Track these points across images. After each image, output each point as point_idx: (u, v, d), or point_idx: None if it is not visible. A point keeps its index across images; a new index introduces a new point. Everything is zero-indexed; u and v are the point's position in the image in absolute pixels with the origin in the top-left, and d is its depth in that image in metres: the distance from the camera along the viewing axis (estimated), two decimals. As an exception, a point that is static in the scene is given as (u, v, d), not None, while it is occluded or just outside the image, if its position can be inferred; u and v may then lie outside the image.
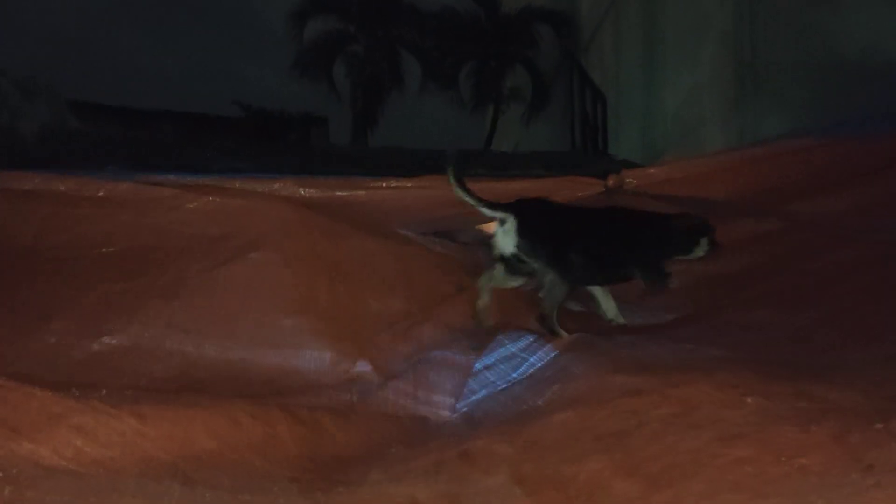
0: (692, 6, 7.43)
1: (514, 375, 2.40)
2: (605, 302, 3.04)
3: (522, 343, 2.50)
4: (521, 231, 2.79)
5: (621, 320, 3.02)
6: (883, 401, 1.88)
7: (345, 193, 3.43)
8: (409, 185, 3.49)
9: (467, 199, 2.77)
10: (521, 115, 8.69)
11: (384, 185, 3.50)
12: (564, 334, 2.66)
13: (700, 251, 3.00)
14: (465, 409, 2.37)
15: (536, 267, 2.81)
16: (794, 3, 7.00)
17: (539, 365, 2.40)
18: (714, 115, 7.38)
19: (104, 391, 1.99)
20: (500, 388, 2.39)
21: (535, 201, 2.97)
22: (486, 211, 2.80)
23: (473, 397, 2.42)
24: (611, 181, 3.67)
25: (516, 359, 2.50)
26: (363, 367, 2.67)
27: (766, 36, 7.10)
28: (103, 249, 3.02)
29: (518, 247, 2.79)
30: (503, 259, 2.83)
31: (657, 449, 1.72)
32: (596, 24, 8.23)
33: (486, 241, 2.94)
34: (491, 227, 2.90)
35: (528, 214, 2.82)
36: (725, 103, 7.32)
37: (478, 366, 2.49)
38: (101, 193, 3.15)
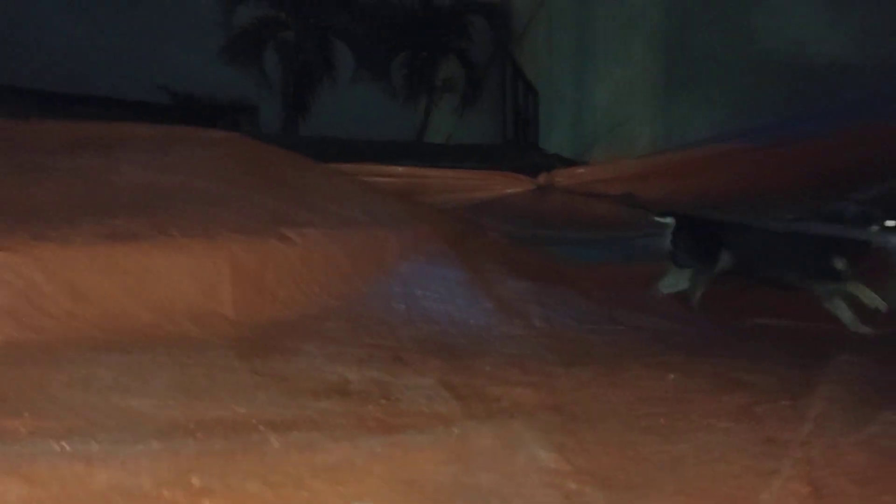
0: (623, 2, 7.51)
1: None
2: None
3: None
4: None
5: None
6: (794, 385, 2.00)
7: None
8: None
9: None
10: (454, 106, 8.66)
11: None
12: None
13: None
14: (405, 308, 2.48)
15: None
16: (723, 2, 7.12)
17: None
18: (643, 110, 7.48)
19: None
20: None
21: None
22: None
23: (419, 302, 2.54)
24: (542, 179, 3.70)
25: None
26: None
27: (695, 33, 7.22)
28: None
29: None
30: None
31: (581, 394, 1.92)
32: (529, 18, 8.25)
33: None
34: None
35: None
36: (655, 99, 7.43)
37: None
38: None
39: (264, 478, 1.32)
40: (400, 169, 3.76)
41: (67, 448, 1.31)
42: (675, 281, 3.28)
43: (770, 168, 3.84)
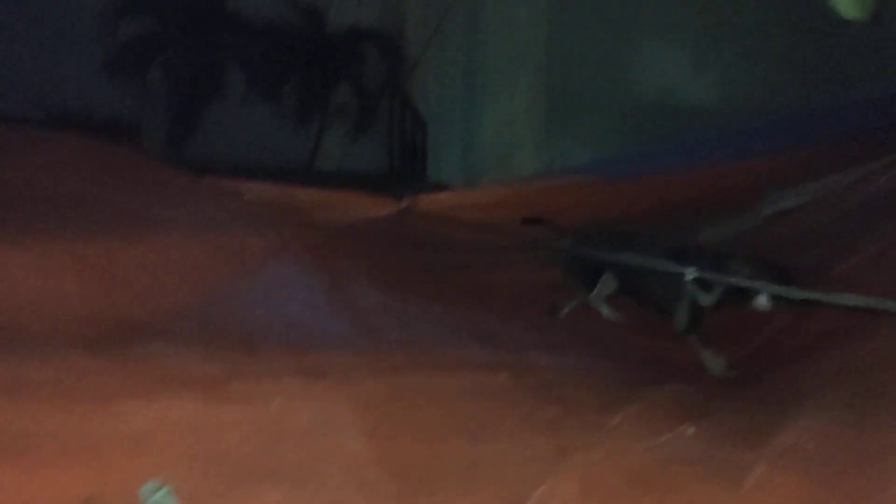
0: (510, 38, 7.83)
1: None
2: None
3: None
4: None
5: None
6: (611, 401, 2.17)
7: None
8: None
9: None
10: (346, 133, 8.76)
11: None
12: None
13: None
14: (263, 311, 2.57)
15: None
16: (600, 44, 7.52)
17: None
18: (528, 143, 7.81)
19: None
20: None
21: None
22: None
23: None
24: (405, 202, 3.83)
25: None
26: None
27: (576, 72, 7.59)
28: None
29: None
30: None
31: (409, 390, 2.09)
32: (421, 48, 8.47)
33: None
34: None
35: None
36: (538, 132, 7.76)
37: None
38: None
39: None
40: (269, 187, 3.83)
41: None
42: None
43: (615, 200, 4.12)
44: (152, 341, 2.09)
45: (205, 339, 2.20)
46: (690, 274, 2.89)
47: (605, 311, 3.59)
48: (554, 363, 2.63)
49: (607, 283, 3.55)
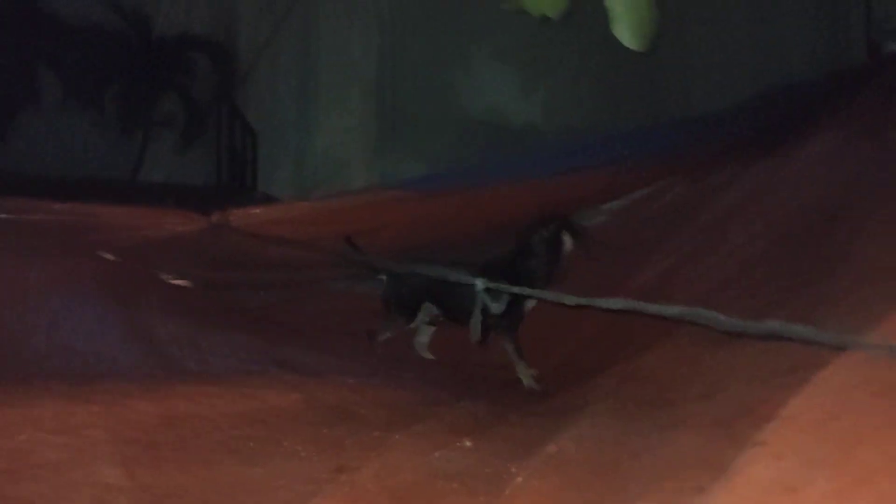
0: (342, 52, 7.81)
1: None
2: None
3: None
4: None
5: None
6: (403, 420, 2.19)
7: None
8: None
9: None
10: (173, 145, 8.43)
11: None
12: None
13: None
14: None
15: None
16: (431, 61, 7.65)
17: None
18: (360, 157, 7.80)
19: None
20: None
21: None
22: None
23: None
24: (214, 218, 3.71)
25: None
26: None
27: (406, 88, 7.68)
28: None
29: None
30: None
31: (184, 415, 2.05)
32: (253, 59, 8.30)
33: None
34: None
35: None
36: (370, 147, 7.78)
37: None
38: None
39: None
40: (60, 205, 3.58)
41: None
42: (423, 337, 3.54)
43: (438, 214, 4.19)
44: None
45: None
46: (481, 284, 3.00)
47: (426, 353, 3.73)
48: (355, 384, 2.62)
49: (427, 312, 3.66)
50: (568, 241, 3.54)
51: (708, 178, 4.87)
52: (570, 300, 2.17)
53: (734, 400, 1.83)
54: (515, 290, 2.91)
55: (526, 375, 3.30)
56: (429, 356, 3.72)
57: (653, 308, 1.80)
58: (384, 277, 3.67)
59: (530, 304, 3.30)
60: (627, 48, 2.39)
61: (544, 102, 7.77)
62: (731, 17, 7.17)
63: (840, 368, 1.35)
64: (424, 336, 3.75)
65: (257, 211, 3.89)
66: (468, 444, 2.02)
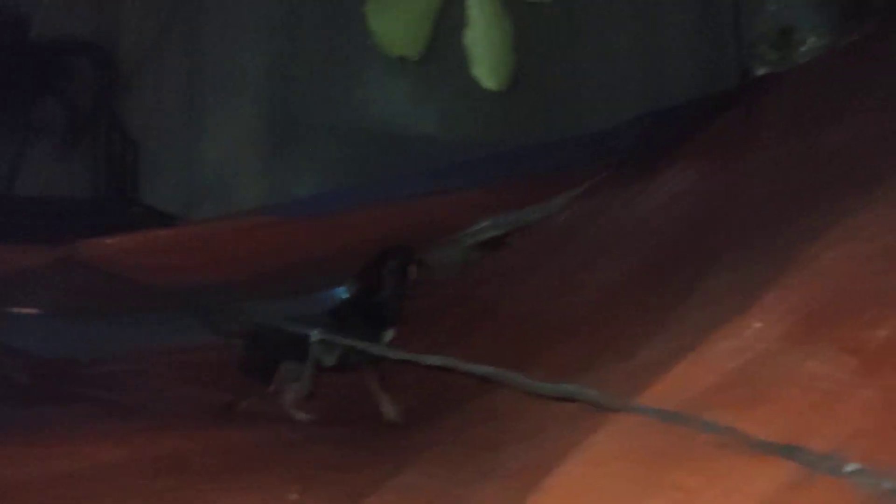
0: (231, 60, 7.62)
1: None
2: None
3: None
4: None
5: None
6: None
7: None
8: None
9: None
10: (51, 153, 8.02)
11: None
12: None
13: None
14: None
15: None
16: (324, 71, 7.53)
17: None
18: (251, 169, 7.62)
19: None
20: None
21: None
22: None
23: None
24: (62, 251, 3.48)
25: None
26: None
27: (298, 98, 7.54)
28: None
29: None
30: None
31: None
32: (136, 66, 7.99)
33: None
34: None
35: None
36: (260, 158, 7.61)
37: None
38: None
39: None
40: None
41: None
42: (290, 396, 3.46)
43: (307, 240, 4.10)
44: None
45: None
46: (315, 336, 2.96)
47: (299, 414, 3.61)
48: (190, 431, 2.52)
49: (287, 373, 3.58)
50: (413, 272, 3.61)
51: (589, 199, 4.96)
52: (393, 354, 2.16)
53: (544, 441, 1.83)
54: (348, 342, 2.88)
55: (389, 408, 3.26)
56: (302, 416, 3.61)
57: (466, 366, 1.80)
58: (240, 342, 3.59)
59: (389, 335, 3.27)
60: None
61: (438, 115, 7.76)
62: (618, 40, 7.34)
63: (611, 434, 1.36)
64: (292, 395, 3.66)
65: (110, 241, 3.66)
66: (294, 496, 1.96)
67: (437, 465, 2.08)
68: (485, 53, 2.26)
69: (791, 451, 1.22)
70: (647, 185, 4.33)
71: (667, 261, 3.30)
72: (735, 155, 4.11)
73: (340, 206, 4.59)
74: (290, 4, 7.54)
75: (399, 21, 2.24)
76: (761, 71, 5.64)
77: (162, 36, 7.99)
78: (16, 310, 3.42)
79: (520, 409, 2.34)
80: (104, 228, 4.56)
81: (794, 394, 1.38)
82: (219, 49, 7.67)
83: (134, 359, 3.50)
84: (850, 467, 1.14)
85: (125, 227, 4.16)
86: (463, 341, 3.58)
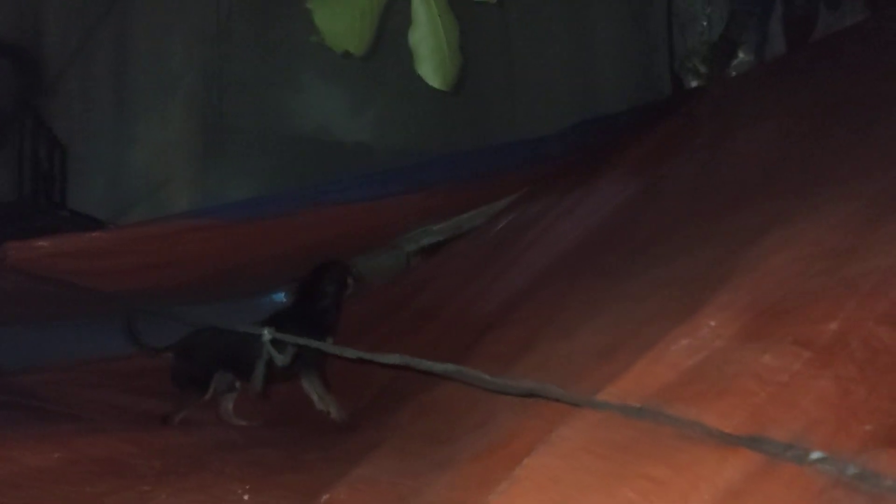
0: (162, 63, 7.47)
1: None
2: None
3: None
4: None
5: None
6: None
7: None
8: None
9: None
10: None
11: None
12: None
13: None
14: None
15: None
16: (258, 78, 7.46)
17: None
18: (181, 174, 7.47)
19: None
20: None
21: None
22: None
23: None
24: None
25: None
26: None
27: (232, 104, 7.43)
28: None
29: None
30: None
31: None
32: (62, 68, 7.74)
33: None
34: None
35: None
36: (192, 163, 7.47)
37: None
38: None
39: None
40: None
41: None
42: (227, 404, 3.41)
43: (233, 244, 4.04)
44: None
45: None
46: (267, 336, 2.93)
47: (236, 420, 3.61)
48: (131, 433, 2.45)
49: (221, 381, 3.57)
50: (351, 285, 3.66)
51: (526, 204, 5.02)
52: (351, 354, 2.14)
53: (498, 428, 1.85)
54: (301, 341, 2.85)
55: (335, 408, 3.24)
56: (240, 422, 3.58)
57: (425, 364, 1.80)
58: (170, 356, 3.55)
59: (328, 343, 3.24)
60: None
61: (374, 122, 7.75)
62: (554, 49, 7.47)
63: (575, 428, 1.38)
64: (229, 403, 3.65)
65: (43, 244, 3.52)
66: (245, 496, 1.92)
67: (389, 459, 2.07)
68: (430, 52, 2.26)
69: (755, 442, 1.25)
70: (584, 189, 4.42)
71: (604, 262, 3.37)
72: (670, 162, 4.23)
73: (276, 210, 4.52)
74: (224, 9, 7.44)
75: (343, 17, 2.23)
76: (693, 83, 5.84)
77: (89, 39, 7.77)
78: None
79: (467, 400, 2.35)
80: (30, 234, 4.39)
81: (752, 387, 1.42)
82: (150, 53, 7.50)
83: (64, 367, 3.37)
84: (815, 455, 1.18)
85: (52, 232, 4.01)
86: (402, 344, 3.56)
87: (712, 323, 1.68)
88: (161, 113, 7.43)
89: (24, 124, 7.32)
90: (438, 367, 1.79)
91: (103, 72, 7.68)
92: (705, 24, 5.72)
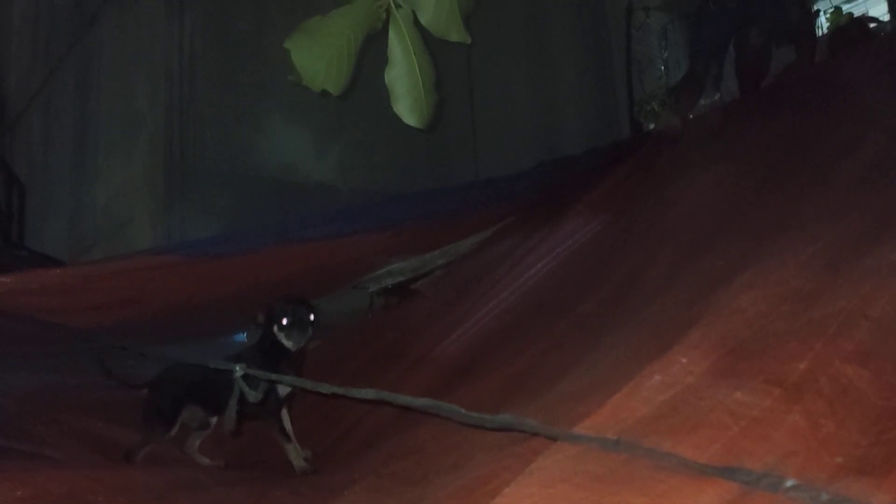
0: (125, 103, 7.44)
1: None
2: None
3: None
4: None
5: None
6: None
7: None
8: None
9: None
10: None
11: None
12: None
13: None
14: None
15: None
16: (222, 118, 7.48)
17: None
18: (144, 213, 7.39)
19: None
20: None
21: None
22: None
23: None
24: None
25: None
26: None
27: (195, 143, 7.41)
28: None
29: None
30: None
31: None
32: (23, 107, 7.67)
33: None
34: None
35: None
36: (155, 202, 7.39)
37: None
38: None
39: None
40: None
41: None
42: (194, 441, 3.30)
43: (205, 281, 4.01)
44: None
45: None
46: (239, 371, 2.89)
47: (201, 459, 3.56)
48: (95, 470, 2.40)
49: (193, 417, 3.52)
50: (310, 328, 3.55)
51: (493, 244, 5.07)
52: (325, 389, 2.14)
53: (475, 469, 1.86)
54: (274, 377, 2.83)
55: (296, 457, 3.19)
56: (204, 461, 3.52)
57: (402, 399, 1.81)
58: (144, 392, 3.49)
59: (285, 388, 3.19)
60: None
61: (339, 163, 7.79)
62: (516, 90, 7.61)
63: (552, 460, 1.40)
64: (196, 440, 3.58)
65: (5, 280, 3.45)
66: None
67: (361, 497, 2.06)
68: (406, 91, 2.31)
69: (730, 472, 1.28)
70: (549, 230, 4.49)
71: (572, 303, 3.42)
72: (632, 203, 4.32)
73: (239, 248, 4.50)
74: (188, 48, 7.45)
75: (322, 57, 2.27)
76: (651, 126, 5.99)
77: (52, 77, 7.72)
78: None
79: (442, 442, 2.36)
80: (-13, 273, 4.30)
81: (725, 421, 1.45)
82: (112, 92, 7.47)
83: (31, 399, 3.29)
84: (789, 483, 1.21)
85: (10, 272, 3.93)
86: (369, 384, 3.55)
87: (683, 360, 1.72)
88: (123, 151, 7.38)
89: (-18, 162, 7.24)
90: (414, 401, 1.80)
91: (65, 109, 7.63)
92: (662, 68, 5.90)
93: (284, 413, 3.32)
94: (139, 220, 7.40)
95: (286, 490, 2.45)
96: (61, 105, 7.70)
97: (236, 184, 7.37)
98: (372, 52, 2.54)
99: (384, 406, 3.24)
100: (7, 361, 3.39)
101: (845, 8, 6.79)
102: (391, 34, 2.29)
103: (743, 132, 4.47)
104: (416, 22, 2.27)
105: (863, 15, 6.33)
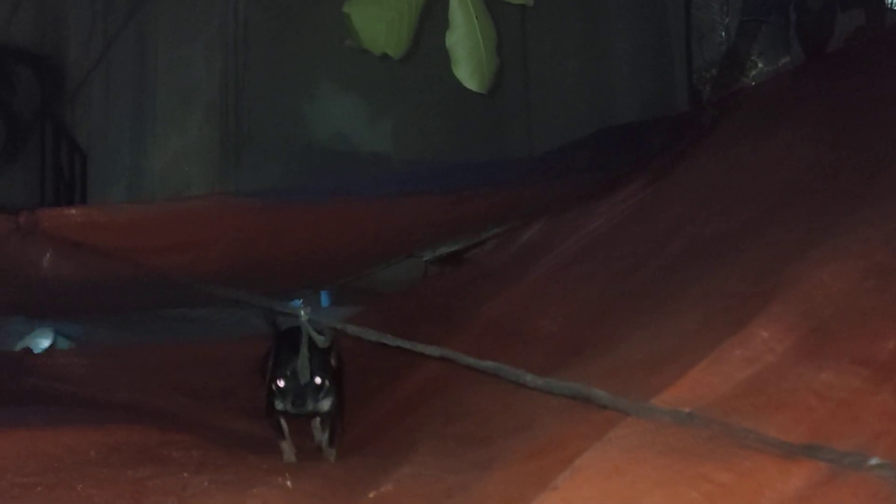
0: (183, 70, 7.54)
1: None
2: None
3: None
4: None
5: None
6: None
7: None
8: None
9: None
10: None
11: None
12: None
13: None
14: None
15: None
16: (276, 87, 7.51)
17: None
18: (199, 179, 7.50)
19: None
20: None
21: None
22: None
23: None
24: (23, 219, 3.24)
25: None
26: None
27: (250, 112, 7.47)
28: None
29: None
30: None
31: None
32: (83, 76, 7.82)
33: None
34: None
35: None
36: (210, 169, 7.50)
37: None
38: None
39: None
40: None
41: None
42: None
43: (277, 230, 4.02)
44: None
45: None
46: (305, 315, 2.83)
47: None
48: (167, 426, 2.46)
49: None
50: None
51: (548, 215, 5.02)
52: (389, 341, 2.14)
53: (546, 431, 1.85)
54: (338, 325, 2.80)
55: (287, 451, 3.00)
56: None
57: (468, 360, 1.81)
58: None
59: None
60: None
61: (392, 132, 7.78)
62: (570, 61, 7.50)
63: (631, 429, 1.39)
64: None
65: (74, 212, 3.40)
66: (288, 483, 1.94)
67: (427, 458, 2.08)
68: (467, 55, 2.28)
69: (813, 451, 1.25)
70: (607, 204, 4.42)
71: (633, 275, 3.36)
72: (693, 174, 4.23)
73: (302, 197, 4.47)
74: (244, 17, 7.50)
75: (382, 19, 2.25)
76: (711, 95, 5.85)
77: (110, 47, 7.85)
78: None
79: (500, 404, 2.36)
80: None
81: (811, 402, 1.42)
82: (170, 61, 7.57)
83: (98, 352, 3.35)
84: (873, 461, 1.18)
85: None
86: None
87: (765, 334, 1.68)
88: (180, 120, 7.49)
89: (46, 131, 7.39)
90: (480, 364, 1.80)
91: (124, 80, 7.76)
92: (724, 34, 5.75)
93: (317, 422, 3.13)
94: (195, 188, 7.53)
95: (358, 458, 2.49)
96: (120, 75, 7.83)
97: (289, 152, 7.44)
98: (433, 13, 2.52)
99: (426, 369, 3.22)
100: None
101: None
102: (452, -3, 2.26)
103: (809, 98, 4.33)
104: (477, -16, 2.23)
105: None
